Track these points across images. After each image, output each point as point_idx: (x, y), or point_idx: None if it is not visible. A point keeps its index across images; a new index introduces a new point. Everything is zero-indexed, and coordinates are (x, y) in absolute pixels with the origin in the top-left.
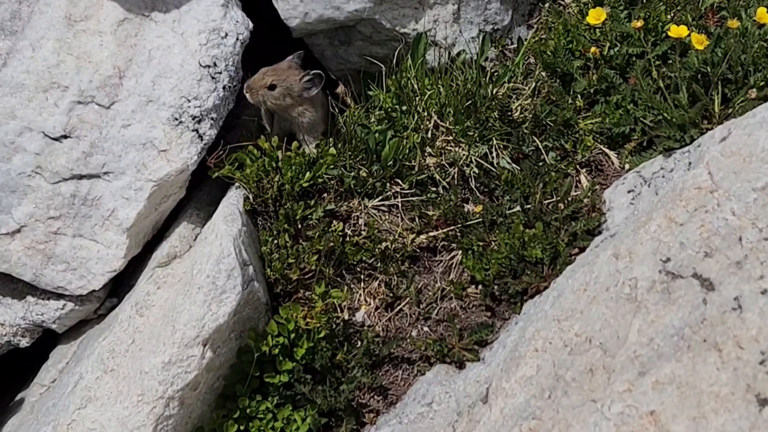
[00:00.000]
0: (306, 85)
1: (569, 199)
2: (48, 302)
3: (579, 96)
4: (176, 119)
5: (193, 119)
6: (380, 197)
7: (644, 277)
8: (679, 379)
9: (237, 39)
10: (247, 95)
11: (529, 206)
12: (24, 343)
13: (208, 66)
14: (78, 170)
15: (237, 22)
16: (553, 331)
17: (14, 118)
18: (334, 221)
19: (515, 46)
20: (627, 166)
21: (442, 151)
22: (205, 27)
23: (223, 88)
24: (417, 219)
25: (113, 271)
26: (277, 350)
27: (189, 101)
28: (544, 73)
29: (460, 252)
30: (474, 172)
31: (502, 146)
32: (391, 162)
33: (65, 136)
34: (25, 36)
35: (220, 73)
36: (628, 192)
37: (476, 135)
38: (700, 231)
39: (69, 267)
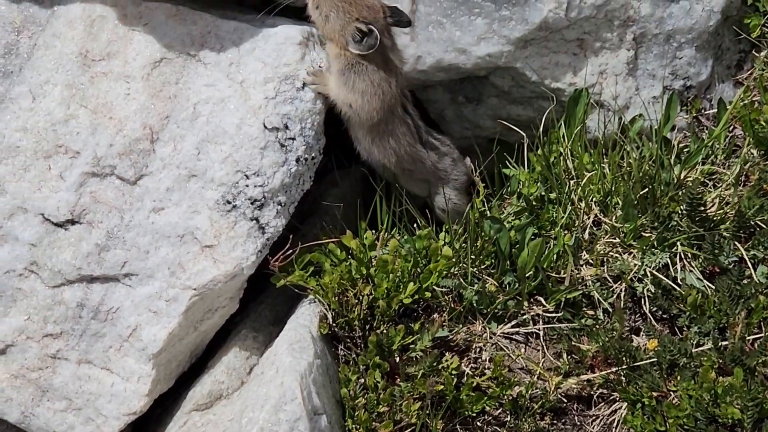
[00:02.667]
0: (353, 34)
1: None
2: None
3: None
4: (228, 203)
5: (252, 203)
6: (513, 322)
7: None
8: None
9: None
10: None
11: (725, 343)
12: None
13: (277, 129)
14: (88, 270)
15: (320, 67)
16: None
17: (3, 194)
18: (446, 354)
19: (715, 111)
20: None
21: (605, 260)
22: (275, 74)
23: (297, 160)
24: (565, 355)
25: (132, 413)
26: None
27: (247, 178)
28: (755, 152)
29: (625, 405)
30: (649, 290)
31: (690, 255)
32: (531, 272)
33: (73, 222)
34: (24, 79)
35: (294, 139)
36: None
37: (654, 238)
38: None
39: (71, 405)
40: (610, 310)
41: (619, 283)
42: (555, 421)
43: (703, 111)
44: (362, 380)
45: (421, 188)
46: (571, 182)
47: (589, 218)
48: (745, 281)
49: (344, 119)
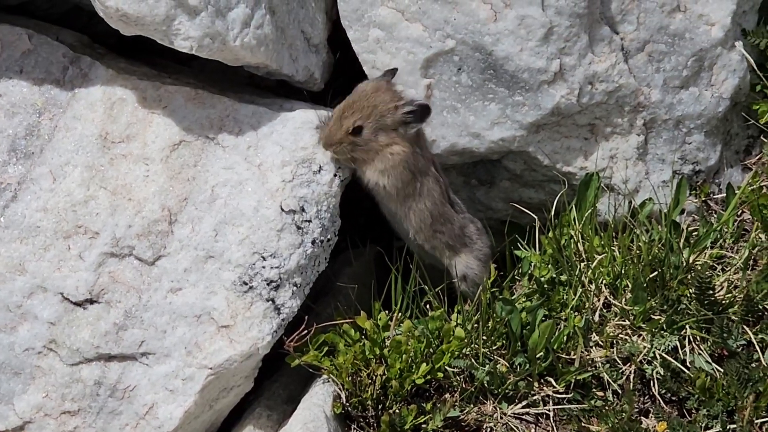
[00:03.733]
0: (405, 117)
1: None
2: None
3: None
4: (245, 284)
5: (268, 284)
6: (524, 402)
7: None
8: None
9: (335, 175)
10: (329, 152)
11: (734, 426)
12: None
13: (294, 211)
14: (106, 348)
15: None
16: None
17: (23, 273)
18: None
19: (724, 195)
20: None
21: (615, 341)
22: (292, 157)
23: (312, 242)
24: None
25: None
26: None
27: (264, 259)
28: (763, 237)
29: None
30: (658, 372)
31: (699, 338)
32: (541, 353)
33: (91, 301)
34: (44, 160)
35: (310, 221)
36: None
37: (663, 321)
38: None
39: None
40: (620, 391)
41: (628, 365)
42: None
43: (711, 195)
44: None
45: (445, 255)
46: (582, 265)
47: (599, 300)
48: (753, 365)
49: (376, 196)
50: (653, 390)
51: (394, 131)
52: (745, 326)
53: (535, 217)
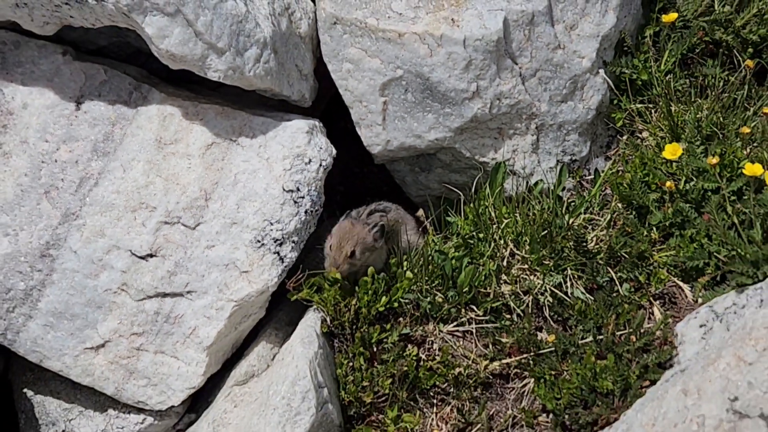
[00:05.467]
0: (376, 236)
1: (642, 331)
2: (128, 416)
3: (654, 229)
4: (259, 242)
5: (275, 242)
6: (455, 323)
7: (712, 416)
8: None
9: (320, 165)
10: (337, 271)
11: (601, 337)
12: None
13: (291, 191)
14: (162, 288)
15: (321, 148)
16: None
17: (103, 237)
18: (409, 345)
19: (592, 177)
20: (700, 300)
21: (517, 279)
22: (290, 153)
23: (305, 212)
24: (490, 346)
25: (192, 388)
26: None
27: (272, 224)
28: (620, 205)
29: (533, 380)
30: (548, 301)
31: (576, 276)
32: (466, 288)
33: (151, 255)
34: (117, 157)
35: (303, 197)
36: (700, 326)
37: (551, 264)
38: None
39: (150, 382)
40: (522, 314)
41: (527, 296)
42: (484, 392)
43: (584, 177)
44: (351, 364)
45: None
46: (494, 226)
47: (506, 251)
48: (614, 294)
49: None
50: (545, 313)
51: (373, 246)
52: (608, 268)
53: (461, 193)
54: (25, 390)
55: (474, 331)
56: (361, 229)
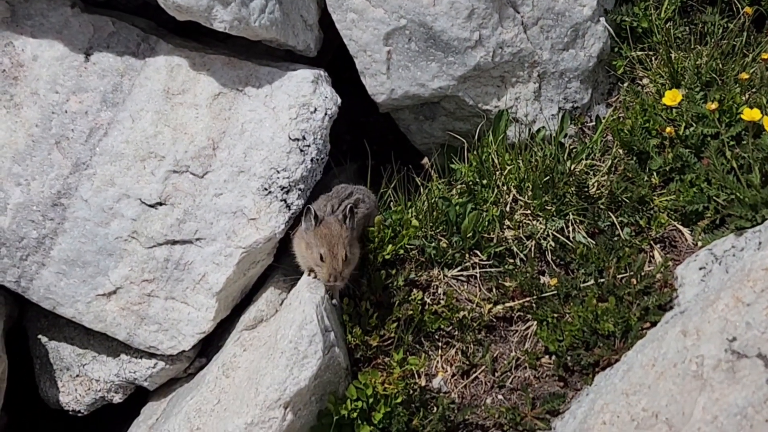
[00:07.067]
0: (350, 229)
1: (642, 274)
2: (140, 360)
3: (654, 174)
4: (266, 189)
5: (281, 189)
6: (459, 267)
7: (710, 355)
8: None
9: (326, 114)
10: (340, 284)
11: (602, 280)
12: (117, 399)
13: (297, 139)
14: (172, 236)
15: (326, 97)
16: (621, 405)
17: (113, 186)
18: (414, 290)
19: (593, 123)
20: (699, 243)
21: (520, 225)
22: (296, 102)
23: (311, 160)
24: (494, 289)
25: (202, 333)
26: (355, 414)
27: (278, 172)
28: (621, 151)
29: (535, 323)
30: (550, 245)
31: (578, 221)
32: (470, 234)
33: (160, 203)
34: (126, 108)
35: (309, 146)
36: (700, 269)
37: (553, 209)
38: (765, 311)
39: (161, 328)
40: (524, 259)
41: (530, 240)
42: (488, 335)
43: (586, 123)
44: (357, 308)
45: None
46: (497, 173)
47: (509, 197)
48: (615, 238)
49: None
50: (547, 257)
51: (354, 239)
52: (609, 212)
53: (464, 141)
54: (39, 336)
55: (478, 275)
56: (339, 228)
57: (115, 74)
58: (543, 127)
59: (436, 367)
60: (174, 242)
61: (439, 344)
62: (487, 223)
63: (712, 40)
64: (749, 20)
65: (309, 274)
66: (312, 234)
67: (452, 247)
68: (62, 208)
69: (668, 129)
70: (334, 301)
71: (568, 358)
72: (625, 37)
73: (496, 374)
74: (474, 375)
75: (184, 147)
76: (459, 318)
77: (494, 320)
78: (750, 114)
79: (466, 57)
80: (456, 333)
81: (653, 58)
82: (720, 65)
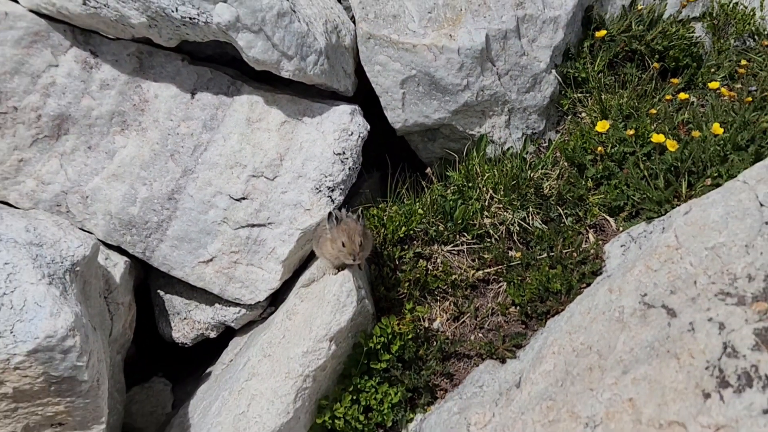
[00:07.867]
0: (363, 223)
1: (580, 250)
2: (229, 308)
3: (589, 179)
4: (317, 189)
5: (328, 189)
6: (452, 244)
7: (629, 306)
8: (649, 377)
9: (359, 136)
10: (359, 262)
11: (552, 254)
12: (212, 335)
13: (339, 154)
14: (251, 221)
15: (359, 124)
16: (565, 340)
17: (210, 186)
18: (420, 260)
19: (547, 144)
20: (621, 229)
21: (495, 215)
22: (338, 128)
23: (349, 168)
24: (476, 260)
25: (272, 289)
26: (379, 346)
27: (326, 177)
28: (566, 164)
29: (505, 283)
30: (516, 229)
31: (535, 212)
32: (460, 221)
33: (243, 198)
34: (219, 131)
35: (347, 158)
36: (621, 246)
37: (518, 204)
38: (667, 275)
39: (243, 285)
40: (498, 239)
41: (502, 226)
42: (472, 291)
43: (542, 144)
44: (380, 272)
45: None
46: (479, 178)
47: (488, 195)
48: (561, 225)
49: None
50: (514, 238)
51: (364, 233)
52: (558, 206)
53: (456, 156)
54: (158, 291)
55: (465, 250)
56: (354, 224)
57: (212, 107)
58: (511, 146)
59: (435, 313)
60: (252, 225)
61: (438, 298)
62: (471, 213)
63: (631, 86)
64: (656, 72)
65: (333, 273)
66: (335, 230)
67: (447, 230)
68: (175, 201)
69: (599, 148)
70: (361, 270)
71: (528, 308)
72: (569, 83)
73: (478, 319)
74: (462, 320)
75: (260, 159)
76: (452, 280)
77: (476, 282)
78: (657, 138)
79: (458, 97)
80: (449, 290)
81: (589, 99)
82: (636, 103)
